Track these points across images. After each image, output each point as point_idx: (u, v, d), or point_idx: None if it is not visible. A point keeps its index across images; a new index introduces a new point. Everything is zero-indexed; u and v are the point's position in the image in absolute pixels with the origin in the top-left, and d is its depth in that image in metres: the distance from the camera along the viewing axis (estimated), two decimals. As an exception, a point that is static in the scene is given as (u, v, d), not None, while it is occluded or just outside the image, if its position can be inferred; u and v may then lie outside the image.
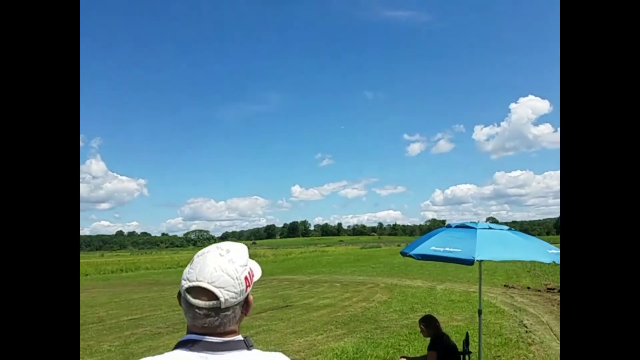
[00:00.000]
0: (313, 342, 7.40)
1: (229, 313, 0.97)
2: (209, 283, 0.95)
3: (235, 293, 0.96)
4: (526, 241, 4.02)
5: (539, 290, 13.64)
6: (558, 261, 3.63)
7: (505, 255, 3.85)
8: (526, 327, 8.18)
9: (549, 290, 13.57)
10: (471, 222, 4.35)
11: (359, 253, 50.04)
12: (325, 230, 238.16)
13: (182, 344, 0.97)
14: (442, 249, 4.18)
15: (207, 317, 0.95)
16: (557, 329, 7.95)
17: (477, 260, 3.58)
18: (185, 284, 0.97)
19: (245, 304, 1.02)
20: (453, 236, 4.14)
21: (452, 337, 7.25)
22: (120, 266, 34.29)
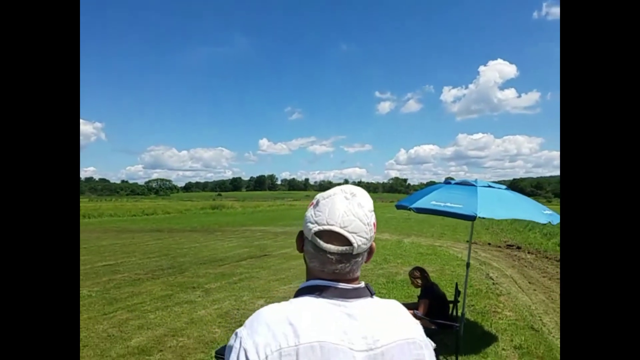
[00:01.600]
0: (296, 289, 7.68)
1: (359, 259, 0.94)
2: (341, 227, 0.90)
3: (366, 239, 0.92)
4: (523, 201, 4.25)
5: (499, 247, 14.62)
6: (553, 222, 3.90)
7: (504, 214, 4.07)
8: (492, 279, 8.85)
9: (508, 246, 14.58)
10: (471, 180, 4.52)
11: (326, 207, 50.72)
12: (292, 185, 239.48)
13: (309, 291, 0.92)
14: (442, 204, 4.36)
15: (338, 263, 0.91)
16: (521, 282, 8.65)
17: (479, 217, 3.78)
18: (314, 227, 0.91)
19: (369, 250, 0.97)
20: (454, 192, 4.31)
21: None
22: (82, 212, 33.26)
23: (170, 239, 16.21)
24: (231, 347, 0.86)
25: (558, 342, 5.08)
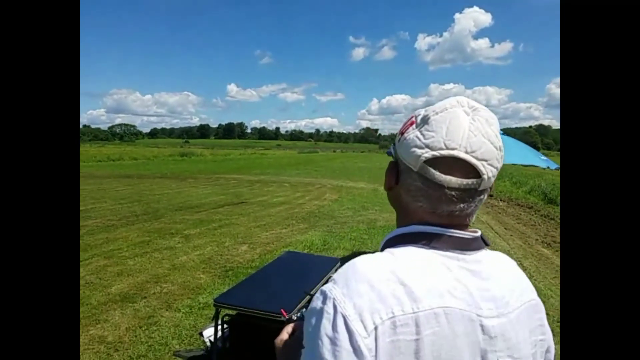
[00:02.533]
0: (279, 235, 7.62)
1: (483, 197, 0.71)
2: (467, 153, 0.66)
3: (497, 169, 0.69)
4: (521, 146, 4.19)
5: (470, 194, 15.07)
6: (552, 167, 3.88)
7: (507, 159, 3.99)
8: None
9: (480, 194, 15.04)
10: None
11: (298, 157, 50.78)
12: (262, 134, 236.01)
13: (412, 239, 0.70)
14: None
15: (459, 202, 0.68)
16: (497, 228, 8.95)
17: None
18: (425, 153, 0.67)
19: (490, 187, 0.72)
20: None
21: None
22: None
23: (141, 185, 15.65)
24: (319, 312, 0.62)
25: (540, 284, 5.30)
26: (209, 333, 3.24)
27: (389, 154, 0.82)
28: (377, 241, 7.18)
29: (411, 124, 0.73)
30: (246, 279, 3.21)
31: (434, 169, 0.67)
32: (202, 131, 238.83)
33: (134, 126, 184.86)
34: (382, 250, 0.73)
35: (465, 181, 0.67)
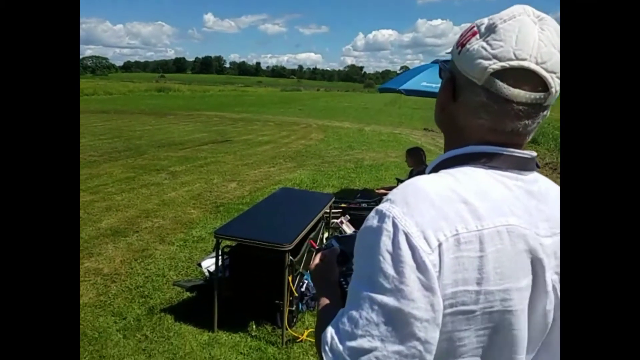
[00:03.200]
0: (268, 173, 7.63)
1: (546, 114, 0.67)
2: (538, 64, 0.61)
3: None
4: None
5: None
6: None
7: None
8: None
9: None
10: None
11: (281, 95, 49.51)
12: (242, 69, 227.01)
13: (469, 159, 0.66)
14: (434, 85, 4.15)
15: (525, 118, 0.64)
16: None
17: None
18: (493, 64, 0.62)
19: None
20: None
21: (393, 171, 8.01)
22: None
23: (119, 120, 15.13)
24: (377, 230, 0.60)
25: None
26: (207, 264, 3.32)
27: (442, 69, 0.77)
28: (364, 179, 7.29)
29: (473, 35, 0.67)
30: (244, 213, 3.24)
31: (502, 81, 0.63)
32: (178, 65, 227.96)
33: (105, 59, 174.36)
34: (432, 173, 0.71)
35: (533, 95, 0.63)
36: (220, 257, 2.83)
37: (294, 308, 2.86)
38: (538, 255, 0.63)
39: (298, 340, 2.76)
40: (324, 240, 3.89)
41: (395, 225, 0.58)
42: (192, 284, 3.30)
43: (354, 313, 0.59)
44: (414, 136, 13.96)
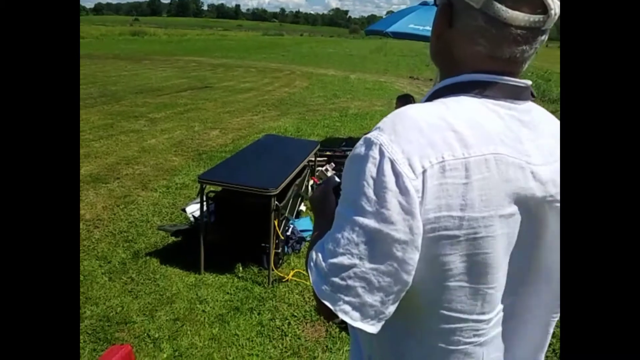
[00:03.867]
0: (251, 121, 7.48)
1: (543, 39, 0.65)
2: None
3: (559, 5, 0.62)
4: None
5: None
6: None
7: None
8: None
9: (448, 84, 15.08)
10: None
11: (263, 40, 47.50)
12: (220, 12, 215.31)
13: (463, 88, 0.65)
14: (421, 27, 4.02)
15: (523, 43, 0.63)
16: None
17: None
18: None
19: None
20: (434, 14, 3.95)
21: (379, 119, 7.98)
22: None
23: (93, 65, 14.37)
24: (363, 157, 0.60)
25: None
26: (192, 209, 3.32)
27: None
28: (349, 128, 7.23)
29: None
30: (229, 159, 3.20)
31: (500, 3, 0.60)
32: (153, 8, 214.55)
33: None
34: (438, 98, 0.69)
35: (532, 17, 0.61)
36: (205, 203, 2.81)
37: (280, 250, 2.92)
38: (528, 184, 0.63)
39: (284, 280, 2.84)
40: (309, 189, 3.91)
41: (381, 153, 0.59)
42: (177, 229, 3.31)
43: (337, 234, 0.61)
44: (399, 84, 13.75)
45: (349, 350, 0.97)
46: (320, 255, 0.64)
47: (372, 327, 0.62)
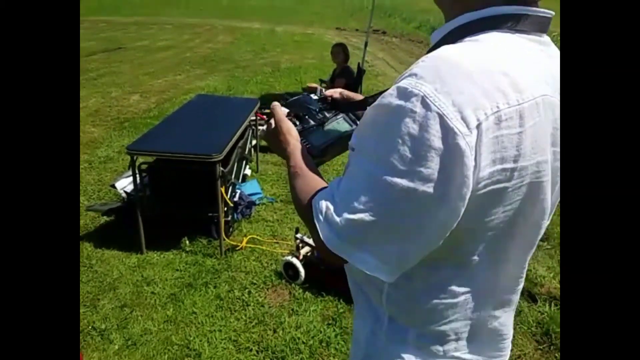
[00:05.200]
0: (174, 82, 6.88)
1: None
2: None
3: None
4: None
5: (365, 32, 14.95)
6: None
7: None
8: (368, 62, 9.19)
9: (375, 31, 14.99)
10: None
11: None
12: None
13: (492, 23, 0.58)
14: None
15: None
16: (393, 64, 9.21)
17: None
18: None
19: None
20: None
21: (312, 73, 7.76)
22: None
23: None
24: (398, 110, 0.51)
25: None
26: (122, 184, 2.98)
27: None
28: (284, 83, 6.95)
29: None
30: (159, 125, 2.87)
31: None
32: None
33: None
34: (441, 43, 0.59)
35: None
36: (137, 176, 2.51)
37: (229, 218, 2.74)
38: (557, 121, 0.58)
39: (237, 248, 2.69)
40: (252, 151, 3.69)
41: (426, 105, 0.49)
42: (109, 207, 2.97)
43: (355, 187, 0.57)
44: (328, 36, 13.40)
45: (354, 314, 0.89)
46: (332, 207, 0.60)
47: (391, 277, 0.60)
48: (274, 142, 0.84)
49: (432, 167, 0.50)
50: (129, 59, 8.63)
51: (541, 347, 2.08)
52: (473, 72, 0.52)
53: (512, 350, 0.90)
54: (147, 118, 5.13)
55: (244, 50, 10.02)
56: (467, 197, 0.52)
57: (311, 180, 0.72)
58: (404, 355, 0.74)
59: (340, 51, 4.99)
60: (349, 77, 4.83)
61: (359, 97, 0.95)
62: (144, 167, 2.60)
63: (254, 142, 3.66)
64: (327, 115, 0.90)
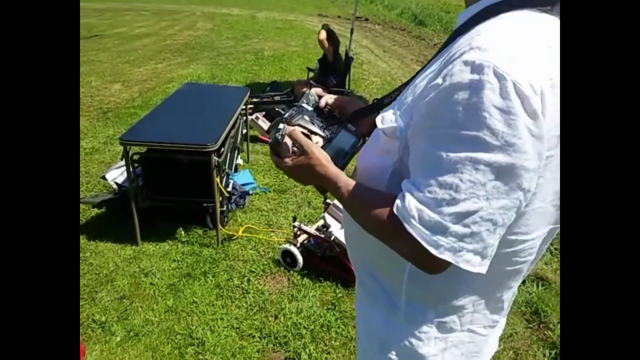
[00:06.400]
0: (156, 71, 6.72)
1: None
2: None
3: None
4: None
5: (348, 19, 14.85)
6: None
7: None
8: (352, 50, 9.17)
9: (357, 19, 14.88)
10: None
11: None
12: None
13: (524, 3, 0.60)
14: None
15: None
16: (377, 51, 9.21)
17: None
18: None
19: None
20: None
21: (296, 61, 7.69)
22: None
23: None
24: (475, 85, 0.52)
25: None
26: (113, 176, 2.94)
27: None
28: (269, 71, 6.87)
29: None
30: (150, 114, 2.82)
31: None
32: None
33: None
34: (474, 21, 0.62)
35: None
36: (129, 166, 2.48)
37: (224, 208, 2.74)
38: None
39: (234, 237, 2.70)
40: (242, 141, 3.67)
41: (499, 75, 0.51)
42: (101, 199, 2.92)
43: (450, 178, 0.54)
44: (309, 23, 13.26)
45: (362, 300, 0.89)
46: (425, 207, 0.56)
47: (484, 268, 0.59)
48: (305, 170, 0.75)
49: (523, 136, 0.52)
50: (106, 46, 8.37)
51: (531, 326, 2.18)
52: (526, 44, 0.55)
53: (504, 329, 0.94)
54: (131, 107, 5.02)
55: (225, 37, 9.84)
56: (544, 157, 0.55)
57: (375, 193, 0.67)
58: (423, 336, 0.75)
59: (333, 34, 5.00)
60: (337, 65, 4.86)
61: (352, 101, 0.89)
62: (136, 157, 2.56)
63: (244, 131, 3.64)
64: (331, 129, 0.83)
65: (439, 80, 0.56)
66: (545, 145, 0.54)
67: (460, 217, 0.55)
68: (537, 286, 2.41)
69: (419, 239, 0.57)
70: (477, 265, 0.58)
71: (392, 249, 0.64)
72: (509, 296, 0.80)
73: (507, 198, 0.55)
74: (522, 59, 0.53)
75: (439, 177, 0.55)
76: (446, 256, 0.56)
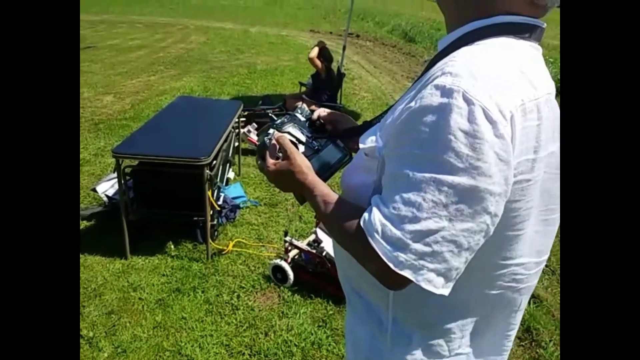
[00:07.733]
0: (148, 83, 6.73)
1: None
2: None
3: None
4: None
5: (340, 35, 15.07)
6: None
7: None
8: (344, 65, 9.29)
9: (349, 35, 15.14)
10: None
11: (144, -10, 42.36)
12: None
13: (503, 29, 0.62)
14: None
15: None
16: (368, 67, 9.34)
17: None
18: None
19: None
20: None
21: (289, 75, 7.77)
22: None
23: None
24: (444, 108, 0.53)
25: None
26: (103, 188, 2.92)
27: None
28: (261, 85, 6.92)
29: None
30: (143, 127, 2.82)
31: None
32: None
33: None
34: (452, 47, 0.64)
35: None
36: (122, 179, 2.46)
37: (214, 222, 2.73)
38: (559, 122, 0.65)
39: (224, 252, 2.69)
40: (236, 153, 3.67)
41: (468, 100, 0.52)
42: (90, 212, 2.89)
43: (413, 196, 0.55)
44: (302, 38, 13.44)
45: (349, 319, 0.89)
46: (388, 223, 0.56)
47: (448, 290, 0.58)
48: (285, 175, 0.76)
49: (489, 160, 0.52)
50: (99, 58, 8.37)
51: (523, 344, 2.19)
52: (498, 70, 0.57)
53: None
54: (123, 119, 5.01)
55: (218, 51, 9.90)
56: (511, 182, 0.56)
57: (348, 205, 0.68)
58: (409, 358, 0.74)
59: (327, 51, 5.09)
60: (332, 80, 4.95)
61: (344, 117, 0.91)
62: (127, 170, 2.55)
63: (236, 144, 3.65)
64: (320, 141, 0.85)
65: (412, 103, 0.58)
66: (512, 171, 0.55)
67: (421, 235, 0.55)
68: (529, 304, 2.42)
69: (380, 253, 0.57)
70: (439, 286, 0.57)
71: (360, 264, 0.64)
72: (502, 324, 0.78)
73: (472, 221, 0.55)
74: (493, 85, 0.55)
75: (403, 195, 0.55)
76: (406, 273, 0.56)
